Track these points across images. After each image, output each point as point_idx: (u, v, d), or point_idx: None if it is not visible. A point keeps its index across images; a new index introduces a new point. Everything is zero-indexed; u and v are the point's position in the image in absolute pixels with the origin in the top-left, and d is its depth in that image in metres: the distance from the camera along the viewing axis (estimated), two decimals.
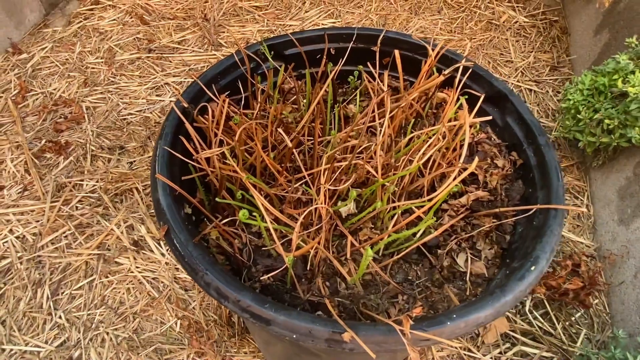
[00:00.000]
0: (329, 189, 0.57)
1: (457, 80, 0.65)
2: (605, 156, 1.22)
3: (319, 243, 0.53)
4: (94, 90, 1.50)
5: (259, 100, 0.58)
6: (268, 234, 0.52)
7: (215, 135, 0.56)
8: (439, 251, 0.60)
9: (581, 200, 1.28)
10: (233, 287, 0.44)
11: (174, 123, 0.59)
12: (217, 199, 0.51)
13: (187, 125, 0.55)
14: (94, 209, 1.20)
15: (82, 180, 1.26)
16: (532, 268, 0.48)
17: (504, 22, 1.83)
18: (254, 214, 0.50)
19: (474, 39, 1.76)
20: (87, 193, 1.24)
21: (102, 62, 1.58)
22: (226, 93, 0.66)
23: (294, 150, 0.55)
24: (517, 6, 1.88)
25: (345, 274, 0.50)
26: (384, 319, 0.48)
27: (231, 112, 0.63)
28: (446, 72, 0.58)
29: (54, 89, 1.49)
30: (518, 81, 1.60)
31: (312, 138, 0.60)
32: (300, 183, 0.58)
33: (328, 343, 0.40)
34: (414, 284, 0.59)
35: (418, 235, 0.59)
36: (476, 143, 0.70)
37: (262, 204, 0.50)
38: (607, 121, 1.11)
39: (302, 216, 0.51)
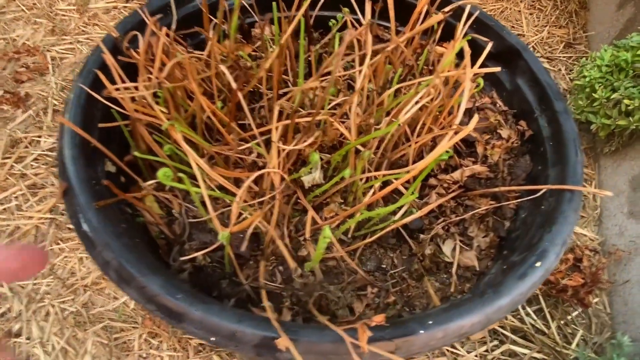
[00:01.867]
0: (288, 153, 0.45)
1: (459, 28, 0.52)
2: (620, 141, 1.10)
3: (268, 218, 0.42)
4: (62, 40, 1.35)
5: (212, 37, 0.46)
6: (201, 201, 0.41)
7: (150, 73, 0.44)
8: (422, 236, 0.49)
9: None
10: (138, 268, 0.33)
11: (100, 59, 0.47)
12: (135, 154, 0.39)
13: (108, 58, 0.42)
14: (50, 169, 1.08)
15: (39, 137, 1.14)
16: (538, 264, 0.37)
17: None
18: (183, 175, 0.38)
19: (485, 8, 1.61)
20: (44, 151, 1.11)
21: (73, 9, 1.43)
22: (179, 30, 0.54)
23: (245, 102, 0.43)
24: None
25: (290, 260, 0.39)
26: (341, 321, 0.37)
27: (178, 50, 0.50)
28: (446, 10, 0.46)
29: (17, 36, 1.34)
30: None
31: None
32: (254, 142, 0.46)
33: (257, 350, 0.29)
34: (387, 274, 0.48)
35: (398, 215, 0.47)
36: (478, 109, 0.57)
37: (195, 162, 0.38)
38: (626, 101, 0.99)
39: (248, 181, 0.39)
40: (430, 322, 0.32)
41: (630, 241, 0.98)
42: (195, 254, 0.39)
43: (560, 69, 1.44)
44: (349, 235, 0.49)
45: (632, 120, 0.99)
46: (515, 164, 0.52)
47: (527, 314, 0.96)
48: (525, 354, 0.90)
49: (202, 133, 0.46)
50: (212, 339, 0.30)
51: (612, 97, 1.03)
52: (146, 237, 0.44)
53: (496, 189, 0.48)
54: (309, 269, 0.44)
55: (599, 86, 1.06)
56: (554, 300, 0.98)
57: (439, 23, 0.55)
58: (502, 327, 0.94)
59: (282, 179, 0.42)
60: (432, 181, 0.51)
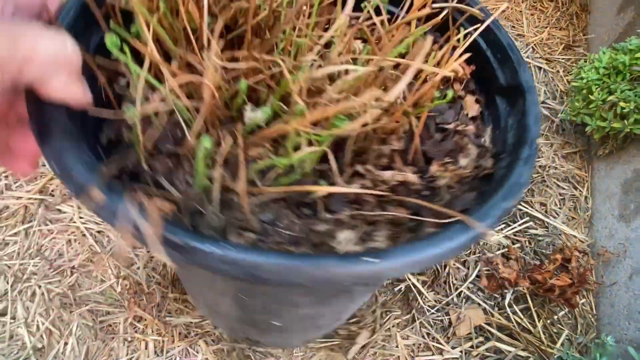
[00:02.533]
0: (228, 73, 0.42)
1: (464, 33, 0.51)
2: (614, 144, 1.10)
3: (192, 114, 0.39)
4: None
5: None
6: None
7: None
8: (326, 214, 0.45)
9: (580, 191, 1.17)
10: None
11: None
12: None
13: None
14: None
15: None
16: None
17: None
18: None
19: (486, 6, 1.60)
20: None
21: None
22: None
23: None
24: None
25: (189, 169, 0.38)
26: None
27: None
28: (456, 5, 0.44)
29: None
30: (528, 57, 1.46)
31: None
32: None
33: None
34: (278, 233, 0.42)
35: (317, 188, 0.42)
36: (455, 132, 0.54)
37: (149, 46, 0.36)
38: (622, 104, 0.99)
39: (181, 78, 0.37)
40: None
41: (619, 243, 0.99)
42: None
43: (558, 71, 1.44)
44: (265, 183, 0.45)
45: (627, 123, 0.99)
46: (460, 196, 0.49)
47: (514, 312, 0.96)
48: (510, 352, 0.91)
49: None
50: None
51: (608, 99, 1.03)
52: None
53: (422, 204, 0.44)
54: (197, 187, 0.41)
55: (596, 88, 1.06)
56: (541, 300, 0.99)
57: (442, 18, 0.53)
58: (488, 324, 0.94)
59: (213, 95, 0.39)
60: (360, 169, 0.48)
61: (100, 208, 0.31)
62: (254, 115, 0.40)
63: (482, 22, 0.52)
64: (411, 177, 0.45)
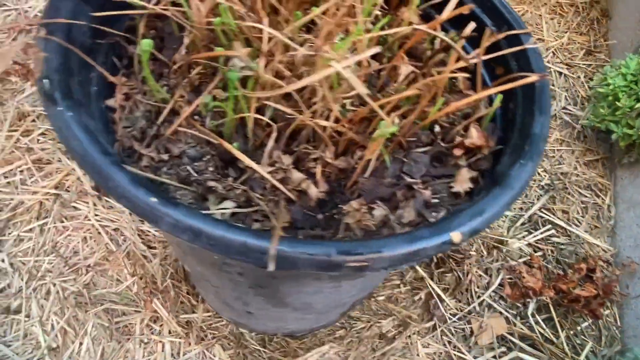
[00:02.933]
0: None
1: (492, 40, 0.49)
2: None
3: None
4: None
5: None
6: None
7: None
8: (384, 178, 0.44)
9: (603, 199, 1.15)
10: None
11: None
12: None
13: None
14: (57, 144, 1.06)
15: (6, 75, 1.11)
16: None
17: None
18: None
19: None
20: (51, 126, 1.09)
21: None
22: None
23: None
24: None
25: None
26: None
27: None
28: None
29: (30, 7, 1.31)
30: (548, 62, 1.44)
31: None
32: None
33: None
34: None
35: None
36: (407, 186, 0.46)
37: None
38: None
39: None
40: None
41: None
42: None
43: (579, 76, 1.42)
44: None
45: None
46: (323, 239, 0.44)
47: (537, 322, 0.94)
48: None
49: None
50: None
51: (636, 106, 1.01)
52: None
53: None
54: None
55: (623, 95, 1.04)
56: (564, 310, 0.96)
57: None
58: (510, 333, 0.92)
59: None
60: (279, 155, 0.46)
61: None
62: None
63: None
64: (313, 191, 0.42)
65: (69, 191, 1.00)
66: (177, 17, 0.49)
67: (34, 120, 1.09)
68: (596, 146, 1.24)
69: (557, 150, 1.24)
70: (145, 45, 0.43)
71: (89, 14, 0.47)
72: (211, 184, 0.45)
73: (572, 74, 1.43)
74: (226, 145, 0.44)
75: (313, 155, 0.44)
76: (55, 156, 1.04)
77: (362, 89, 0.32)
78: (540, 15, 1.60)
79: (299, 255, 0.30)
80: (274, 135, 0.46)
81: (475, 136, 0.47)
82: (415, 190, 0.44)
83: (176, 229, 0.31)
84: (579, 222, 1.10)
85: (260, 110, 0.48)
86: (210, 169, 0.47)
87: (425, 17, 0.57)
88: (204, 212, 0.41)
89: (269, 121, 0.47)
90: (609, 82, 1.08)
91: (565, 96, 1.37)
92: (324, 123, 0.42)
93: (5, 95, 1.13)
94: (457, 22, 0.51)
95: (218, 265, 0.49)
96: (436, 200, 0.44)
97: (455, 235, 0.33)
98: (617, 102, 1.05)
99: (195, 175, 0.47)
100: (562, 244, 1.06)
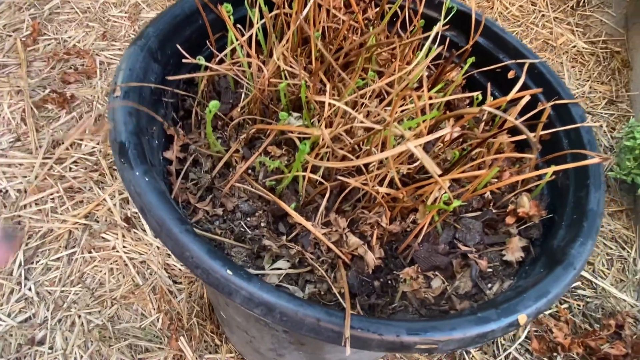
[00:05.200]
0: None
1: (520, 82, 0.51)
2: None
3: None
4: (111, 45, 1.37)
5: None
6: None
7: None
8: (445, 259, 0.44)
9: (628, 252, 1.14)
10: None
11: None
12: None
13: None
14: (89, 174, 1.07)
15: (81, 140, 1.14)
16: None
17: (561, 44, 1.69)
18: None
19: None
20: (84, 155, 1.11)
21: (125, 16, 1.46)
22: None
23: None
24: (577, 30, 1.73)
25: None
26: None
27: None
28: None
29: (69, 37, 1.36)
30: None
31: None
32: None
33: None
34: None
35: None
36: (462, 255, 0.47)
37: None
38: None
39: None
40: None
41: None
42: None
43: (601, 125, 1.43)
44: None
45: None
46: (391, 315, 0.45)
47: None
48: None
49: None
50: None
51: None
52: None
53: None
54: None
55: None
56: None
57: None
58: None
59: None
60: (333, 216, 0.46)
61: None
62: None
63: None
64: (370, 257, 0.42)
65: (98, 221, 1.01)
66: (239, 76, 0.51)
67: (67, 148, 1.11)
68: (620, 197, 1.24)
69: None
70: (213, 106, 0.44)
71: (156, 71, 0.49)
72: (266, 242, 0.45)
73: (595, 122, 1.44)
74: (282, 205, 0.45)
75: (369, 220, 0.44)
76: (87, 185, 1.06)
77: (434, 168, 0.33)
78: (561, 62, 1.63)
79: (371, 337, 0.30)
80: (327, 195, 0.47)
81: (527, 205, 0.47)
82: (469, 259, 0.44)
83: (250, 303, 0.31)
84: (605, 275, 1.09)
85: (312, 168, 0.49)
86: (263, 224, 0.48)
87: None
88: (255, 272, 0.41)
89: (321, 180, 0.48)
90: (635, 135, 1.09)
91: None
92: (383, 190, 0.43)
93: (41, 122, 1.16)
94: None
95: (263, 322, 0.49)
96: (489, 270, 0.44)
97: (522, 318, 0.33)
98: None
99: (249, 232, 0.47)
100: (589, 297, 1.04)
